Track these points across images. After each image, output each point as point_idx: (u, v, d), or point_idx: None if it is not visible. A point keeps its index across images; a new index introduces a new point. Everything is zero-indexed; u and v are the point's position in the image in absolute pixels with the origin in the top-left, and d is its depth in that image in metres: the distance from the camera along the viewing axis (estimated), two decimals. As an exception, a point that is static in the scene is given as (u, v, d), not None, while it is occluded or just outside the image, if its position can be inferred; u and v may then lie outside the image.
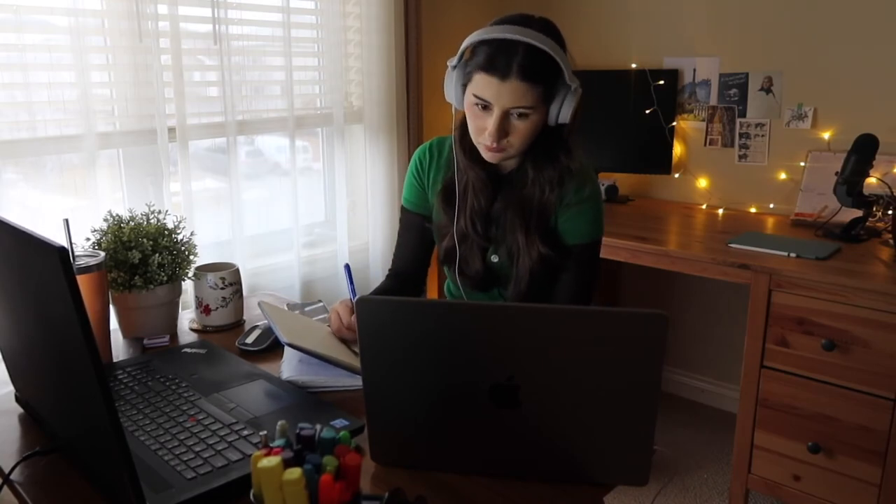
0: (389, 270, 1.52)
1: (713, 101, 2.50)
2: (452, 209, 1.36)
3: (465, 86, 1.25)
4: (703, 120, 2.54)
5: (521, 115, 1.22)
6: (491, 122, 1.22)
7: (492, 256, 1.38)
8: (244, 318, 1.50)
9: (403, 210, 1.49)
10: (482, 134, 1.24)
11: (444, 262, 1.43)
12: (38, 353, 0.92)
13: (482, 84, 1.21)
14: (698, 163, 2.59)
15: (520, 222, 1.32)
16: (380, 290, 1.47)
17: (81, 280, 1.16)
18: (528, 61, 1.17)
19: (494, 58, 1.18)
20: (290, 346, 1.19)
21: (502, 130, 1.23)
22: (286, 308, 1.54)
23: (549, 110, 1.24)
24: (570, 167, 1.31)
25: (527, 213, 1.31)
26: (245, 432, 0.99)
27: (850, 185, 2.00)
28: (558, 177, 1.30)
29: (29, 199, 1.76)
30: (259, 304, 1.39)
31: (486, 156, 1.28)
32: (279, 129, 2.20)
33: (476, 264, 1.38)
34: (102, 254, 1.24)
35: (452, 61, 1.25)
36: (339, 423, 1.02)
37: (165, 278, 1.36)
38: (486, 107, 1.22)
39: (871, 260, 1.89)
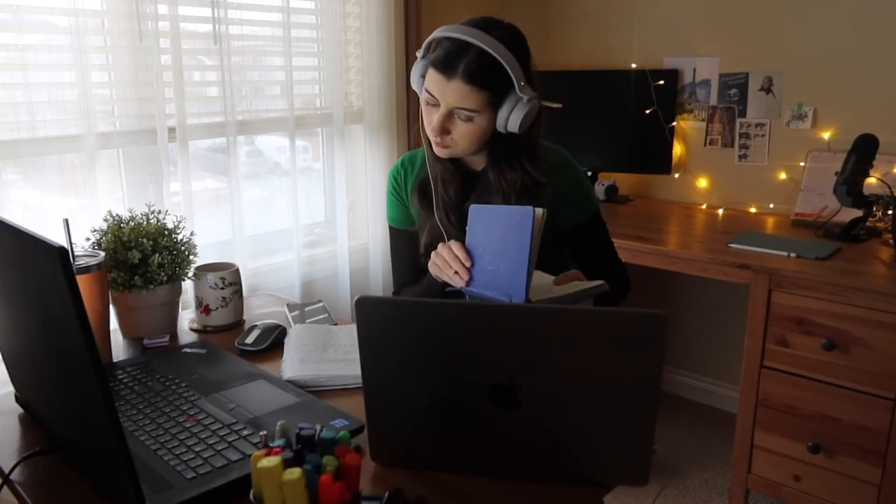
0: (394, 289, 1.53)
1: (713, 101, 2.50)
2: (428, 203, 1.38)
3: (423, 78, 1.27)
4: (703, 120, 2.54)
5: (465, 117, 1.24)
6: (436, 116, 1.24)
7: None
8: (244, 318, 1.50)
9: (391, 229, 1.51)
10: (429, 126, 1.27)
11: (425, 254, 1.42)
12: (38, 353, 0.92)
13: (432, 80, 1.23)
14: (698, 163, 2.59)
15: None
16: None
17: (81, 280, 1.16)
18: (475, 66, 1.19)
19: (445, 57, 1.21)
20: (291, 382, 1.18)
21: (444, 127, 1.25)
22: (286, 307, 1.54)
23: (496, 116, 1.24)
24: (534, 177, 1.30)
25: None
26: (245, 432, 0.99)
27: (850, 185, 2.00)
28: (521, 185, 1.30)
29: (29, 199, 1.76)
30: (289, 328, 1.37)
31: (436, 150, 1.30)
32: (279, 129, 2.20)
33: None
34: (102, 254, 1.24)
35: (420, 52, 1.28)
36: (339, 423, 1.03)
37: (165, 278, 1.36)
38: (435, 103, 1.25)
39: (871, 260, 1.89)
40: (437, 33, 1.23)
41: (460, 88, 1.20)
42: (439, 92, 1.23)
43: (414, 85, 1.31)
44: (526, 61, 1.24)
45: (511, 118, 1.23)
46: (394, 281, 1.53)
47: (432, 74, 1.23)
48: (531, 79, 1.24)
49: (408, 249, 1.48)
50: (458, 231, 1.37)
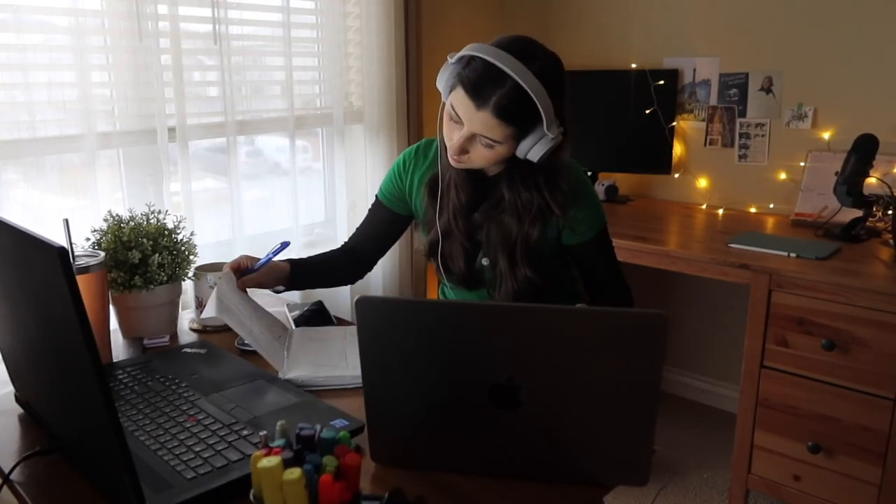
0: (343, 244, 1.56)
1: (713, 101, 2.50)
2: (436, 202, 1.37)
3: (450, 88, 1.23)
4: (703, 120, 2.54)
5: (487, 144, 1.21)
6: (457, 136, 1.22)
7: (482, 259, 1.38)
8: (244, 318, 1.50)
9: (376, 200, 1.50)
10: (449, 140, 1.25)
11: (428, 256, 1.44)
12: (38, 353, 0.92)
13: (459, 100, 1.19)
14: (698, 163, 2.59)
15: (501, 249, 1.33)
16: (318, 255, 1.51)
17: (81, 280, 1.16)
18: (507, 101, 1.15)
19: (478, 82, 1.16)
20: (290, 382, 1.18)
21: (464, 148, 1.23)
22: (286, 307, 1.54)
23: (518, 146, 1.22)
24: (548, 203, 1.28)
25: (509, 242, 1.32)
26: (245, 432, 0.99)
27: (850, 185, 2.00)
28: (536, 209, 1.29)
29: (29, 199, 1.76)
30: (291, 331, 1.39)
31: (451, 161, 1.27)
32: (279, 129, 2.20)
33: (460, 263, 1.38)
34: (102, 254, 1.24)
35: (453, 57, 1.22)
36: (339, 423, 1.03)
37: (165, 278, 1.36)
38: (458, 121, 1.21)
39: (871, 260, 1.89)
40: (476, 48, 1.17)
41: (488, 121, 1.17)
42: (466, 117, 1.19)
43: (440, 87, 1.27)
44: (559, 95, 1.20)
45: (533, 150, 1.21)
46: (349, 237, 1.55)
47: (461, 94, 1.18)
48: (562, 112, 1.21)
49: (377, 224, 1.50)
50: (463, 237, 1.37)
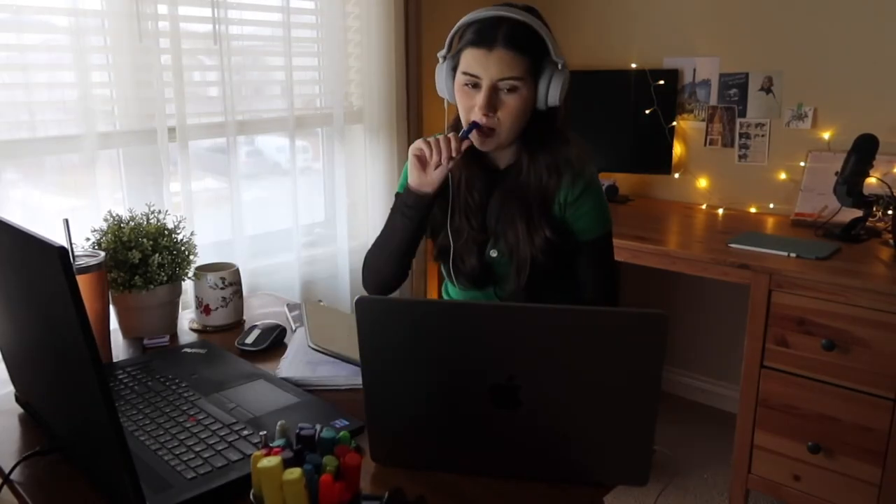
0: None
1: (713, 101, 2.50)
2: (446, 206, 1.35)
3: (454, 70, 1.26)
4: (703, 120, 2.54)
5: (509, 90, 1.22)
6: (480, 97, 1.22)
7: (491, 251, 1.35)
8: (244, 318, 1.50)
9: (398, 197, 1.41)
10: (472, 111, 1.25)
11: (439, 259, 1.41)
12: (38, 353, 0.92)
13: (470, 59, 1.22)
14: (698, 163, 2.59)
15: (520, 212, 1.29)
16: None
17: (81, 280, 1.16)
18: (514, 31, 1.20)
19: (481, 32, 1.21)
20: (317, 350, 1.19)
21: (491, 104, 1.22)
22: (286, 307, 1.54)
23: (537, 88, 1.24)
24: (567, 158, 1.29)
25: (527, 200, 1.30)
26: (245, 432, 0.99)
27: (850, 185, 2.00)
28: (555, 165, 1.29)
29: (29, 199, 1.76)
30: (301, 304, 1.39)
31: (477, 142, 1.27)
32: (279, 129, 2.20)
33: (472, 260, 1.36)
34: (102, 254, 1.24)
35: (442, 52, 1.28)
36: (339, 423, 1.03)
37: (165, 278, 1.36)
38: (475, 84, 1.23)
39: (871, 260, 1.89)
40: (459, 24, 1.24)
41: (503, 56, 1.20)
42: (482, 66, 1.21)
43: (441, 90, 1.30)
44: (550, 32, 1.25)
45: (551, 90, 1.23)
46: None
47: (470, 53, 1.22)
48: (557, 48, 1.25)
49: None
50: (479, 233, 1.34)
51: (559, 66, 1.23)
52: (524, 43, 1.21)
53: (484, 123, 1.24)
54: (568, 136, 1.32)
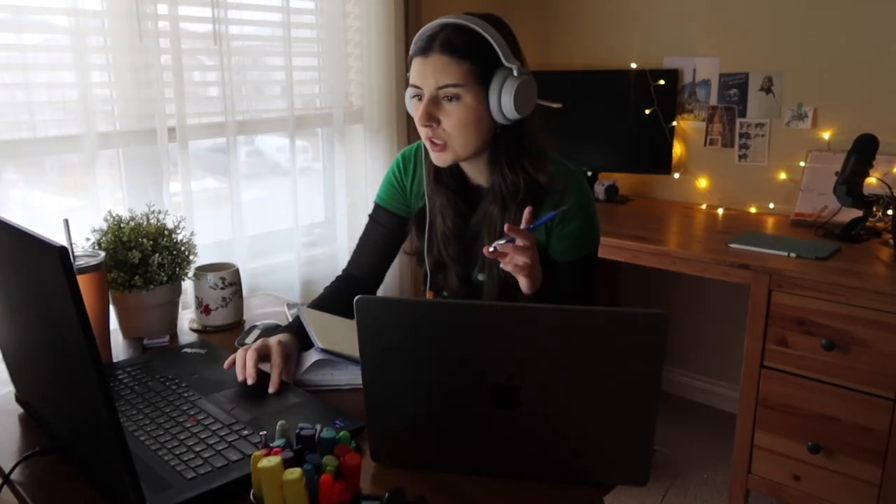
0: (343, 271, 1.45)
1: (713, 101, 2.50)
2: (423, 235, 1.32)
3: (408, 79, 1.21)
4: (703, 120, 2.54)
5: (450, 98, 1.15)
6: (420, 107, 1.17)
7: (478, 275, 1.30)
8: (244, 318, 1.50)
9: (375, 208, 1.41)
10: (418, 123, 1.19)
11: (423, 283, 1.37)
12: (38, 353, 0.92)
13: (413, 69, 1.18)
14: (698, 163, 2.59)
15: (489, 240, 1.22)
16: (324, 297, 1.38)
17: (81, 280, 1.16)
18: (449, 36, 1.14)
19: (421, 40, 1.17)
20: (326, 351, 1.18)
21: (430, 113, 1.16)
22: (286, 307, 1.54)
23: (487, 96, 1.15)
24: (537, 180, 1.20)
25: (495, 231, 1.23)
26: (245, 432, 0.99)
27: (850, 185, 2.00)
28: (524, 190, 1.20)
29: (29, 199, 1.76)
30: (298, 308, 1.37)
31: (433, 157, 1.22)
32: (279, 129, 2.20)
33: (453, 283, 1.32)
34: (102, 254, 1.24)
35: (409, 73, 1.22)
36: (339, 423, 1.03)
37: (165, 278, 1.36)
38: (421, 96, 1.17)
39: (871, 260, 1.89)
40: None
41: (438, 62, 1.14)
42: (421, 75, 1.16)
43: (409, 108, 1.24)
44: (510, 35, 1.17)
45: (503, 98, 1.14)
46: (348, 263, 1.44)
47: (413, 64, 1.18)
48: (519, 54, 1.17)
49: (378, 237, 1.40)
50: (458, 263, 1.30)
51: (514, 73, 1.14)
52: (464, 46, 1.14)
53: (428, 136, 1.19)
54: (543, 152, 1.23)
